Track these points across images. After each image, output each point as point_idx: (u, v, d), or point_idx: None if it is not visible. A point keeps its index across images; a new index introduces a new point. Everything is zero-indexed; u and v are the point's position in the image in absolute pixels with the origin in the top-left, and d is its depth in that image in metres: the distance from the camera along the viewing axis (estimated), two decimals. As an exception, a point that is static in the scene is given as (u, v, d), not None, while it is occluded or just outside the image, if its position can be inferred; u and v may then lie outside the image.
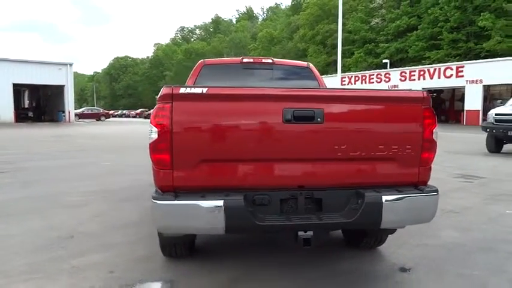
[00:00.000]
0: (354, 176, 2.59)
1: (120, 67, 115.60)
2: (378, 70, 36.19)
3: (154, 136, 2.39)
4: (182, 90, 2.35)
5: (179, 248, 3.18)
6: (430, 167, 2.70)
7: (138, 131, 24.32)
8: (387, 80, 33.41)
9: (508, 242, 3.79)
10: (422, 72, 31.38)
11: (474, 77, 26.79)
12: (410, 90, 2.79)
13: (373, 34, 50.58)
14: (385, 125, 2.59)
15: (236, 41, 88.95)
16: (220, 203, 2.32)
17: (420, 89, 27.76)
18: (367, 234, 3.41)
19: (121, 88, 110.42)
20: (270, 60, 4.61)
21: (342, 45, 56.13)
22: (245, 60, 4.54)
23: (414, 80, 31.44)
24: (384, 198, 2.46)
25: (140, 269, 3.12)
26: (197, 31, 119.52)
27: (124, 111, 71.63)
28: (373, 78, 36.41)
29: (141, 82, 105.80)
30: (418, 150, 2.62)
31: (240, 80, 4.56)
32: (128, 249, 3.57)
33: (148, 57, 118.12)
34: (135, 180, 6.86)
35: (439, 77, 29.66)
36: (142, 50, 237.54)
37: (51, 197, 5.70)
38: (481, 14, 38.20)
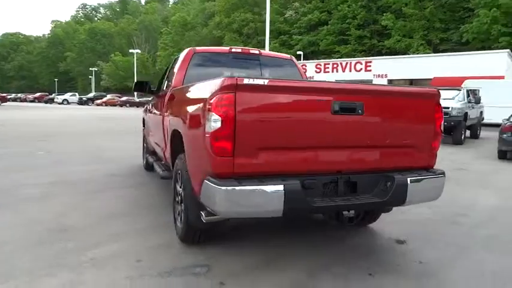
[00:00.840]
0: (383, 162, 2.94)
1: (11, 45, 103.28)
2: (301, 61, 37.81)
3: (216, 125, 2.43)
4: (246, 81, 2.43)
5: (204, 234, 3.25)
6: (436, 154, 3.18)
7: (54, 117, 22.30)
8: (304, 71, 35.07)
9: (464, 216, 4.53)
10: (335, 65, 33.70)
11: (380, 72, 29.64)
12: (423, 87, 3.23)
13: (287, 26, 52.47)
14: (408, 116, 2.99)
15: (146, 23, 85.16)
16: (281, 187, 2.48)
17: (334, 80, 29.54)
18: (368, 213, 3.82)
19: (12, 69, 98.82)
20: (256, 51, 4.76)
21: (257, 35, 57.54)
22: (233, 50, 4.63)
23: (328, 72, 33.61)
24: (409, 179, 2.87)
25: (167, 256, 3.08)
26: (102, 10, 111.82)
27: (19, 95, 64.22)
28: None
29: (37, 63, 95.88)
30: (430, 139, 3.08)
31: (231, 70, 4.65)
32: (139, 238, 3.48)
33: (44, 35, 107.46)
34: (92, 171, 6.45)
35: (350, 70, 32.17)
36: (38, 27, 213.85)
37: (5, 191, 5.14)
38: (384, 14, 42.16)
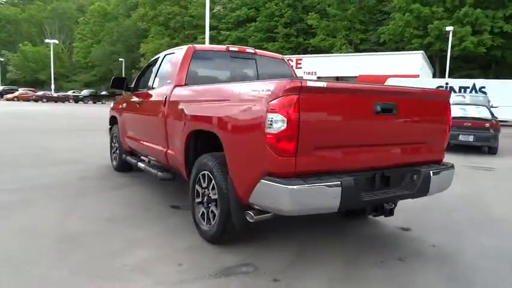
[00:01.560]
0: (409, 157, 3.24)
1: None
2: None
3: (281, 126, 2.49)
4: (309, 83, 2.52)
5: (241, 233, 3.27)
6: (445, 148, 3.56)
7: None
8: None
9: (446, 203, 5.06)
10: (267, 62, 34.44)
11: (310, 69, 30.92)
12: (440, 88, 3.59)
13: (215, 21, 52.22)
14: (430, 114, 3.31)
15: (60, 11, 78.78)
16: (339, 184, 2.63)
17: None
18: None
19: None
20: (252, 51, 4.81)
21: (184, 29, 56.41)
22: (231, 49, 4.63)
23: (260, 68, 34.29)
24: (431, 172, 3.19)
25: (205, 258, 3.02)
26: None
27: None
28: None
29: None
30: (443, 135, 3.44)
31: (231, 69, 4.66)
32: (163, 242, 3.35)
33: None
34: (63, 173, 5.95)
35: (282, 67, 33.15)
36: None
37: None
38: (309, 13, 43.98)
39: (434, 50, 35.66)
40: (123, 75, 29.72)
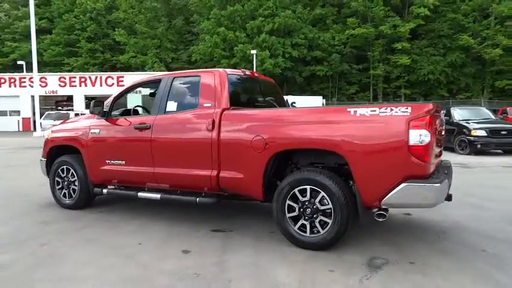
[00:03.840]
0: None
1: None
2: (27, 73, 32.60)
3: (426, 139, 3.18)
4: (431, 107, 3.31)
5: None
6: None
7: None
8: (44, 84, 31.01)
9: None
10: (83, 79, 31.48)
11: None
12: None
13: (-3, 30, 44.32)
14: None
15: None
16: (447, 182, 3.51)
17: (83, 95, 27.99)
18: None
19: None
20: (256, 74, 5.18)
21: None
22: (247, 72, 4.91)
23: (75, 86, 31.06)
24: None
25: (331, 260, 3.39)
26: None
27: None
28: (23, 81, 32.34)
29: None
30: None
31: (252, 93, 4.91)
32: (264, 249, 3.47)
33: None
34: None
35: (101, 85, 30.87)
36: None
37: None
38: (115, 29, 42.49)
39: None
40: None
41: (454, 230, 4.34)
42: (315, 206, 3.64)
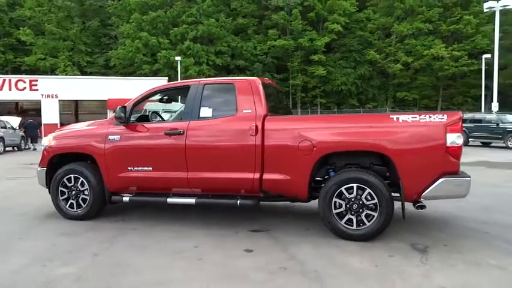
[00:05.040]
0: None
1: None
2: None
3: (460, 141, 3.85)
4: (461, 115, 3.98)
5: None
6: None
7: None
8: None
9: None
10: (-13, 82, 28.05)
11: (50, 92, 27.67)
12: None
13: None
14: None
15: None
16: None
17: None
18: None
19: None
20: (270, 81, 5.49)
21: None
22: (269, 80, 5.23)
23: (-24, 89, 27.52)
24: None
25: (386, 249, 3.86)
26: None
27: None
28: None
29: None
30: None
31: (274, 99, 5.22)
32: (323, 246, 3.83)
33: None
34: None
35: (10, 89, 27.63)
36: None
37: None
38: (20, 28, 38.60)
39: (164, 76, 39.34)
40: None
41: (453, 219, 5.13)
42: (361, 202, 4.10)
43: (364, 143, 4.11)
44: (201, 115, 4.68)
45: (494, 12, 22.64)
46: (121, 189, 4.99)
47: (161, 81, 30.43)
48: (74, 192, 5.08)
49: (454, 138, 3.86)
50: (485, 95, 32.56)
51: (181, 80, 35.21)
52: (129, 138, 4.86)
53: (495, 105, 21.10)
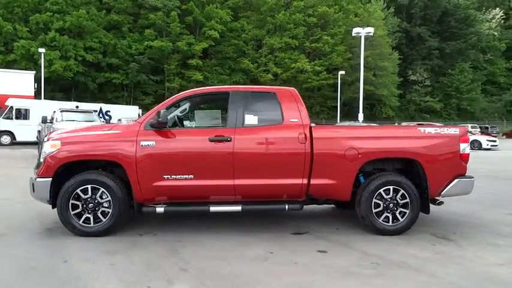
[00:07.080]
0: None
1: None
2: None
3: (468, 149, 4.85)
4: (467, 129, 5.00)
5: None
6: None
7: None
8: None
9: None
10: None
11: None
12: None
13: None
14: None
15: None
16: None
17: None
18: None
19: None
20: None
21: None
22: None
23: None
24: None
25: (413, 245, 4.59)
26: None
27: None
28: None
29: None
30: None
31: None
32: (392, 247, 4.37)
33: None
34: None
35: None
36: None
37: None
38: None
39: (20, 69, 34.08)
40: None
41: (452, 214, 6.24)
42: (395, 201, 4.77)
43: (402, 151, 4.81)
44: (246, 122, 4.71)
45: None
46: (152, 200, 4.61)
47: (27, 76, 26.51)
48: (90, 205, 4.47)
49: (464, 147, 4.86)
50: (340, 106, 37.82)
51: (45, 75, 31.19)
52: (166, 144, 4.55)
53: (361, 115, 24.89)
